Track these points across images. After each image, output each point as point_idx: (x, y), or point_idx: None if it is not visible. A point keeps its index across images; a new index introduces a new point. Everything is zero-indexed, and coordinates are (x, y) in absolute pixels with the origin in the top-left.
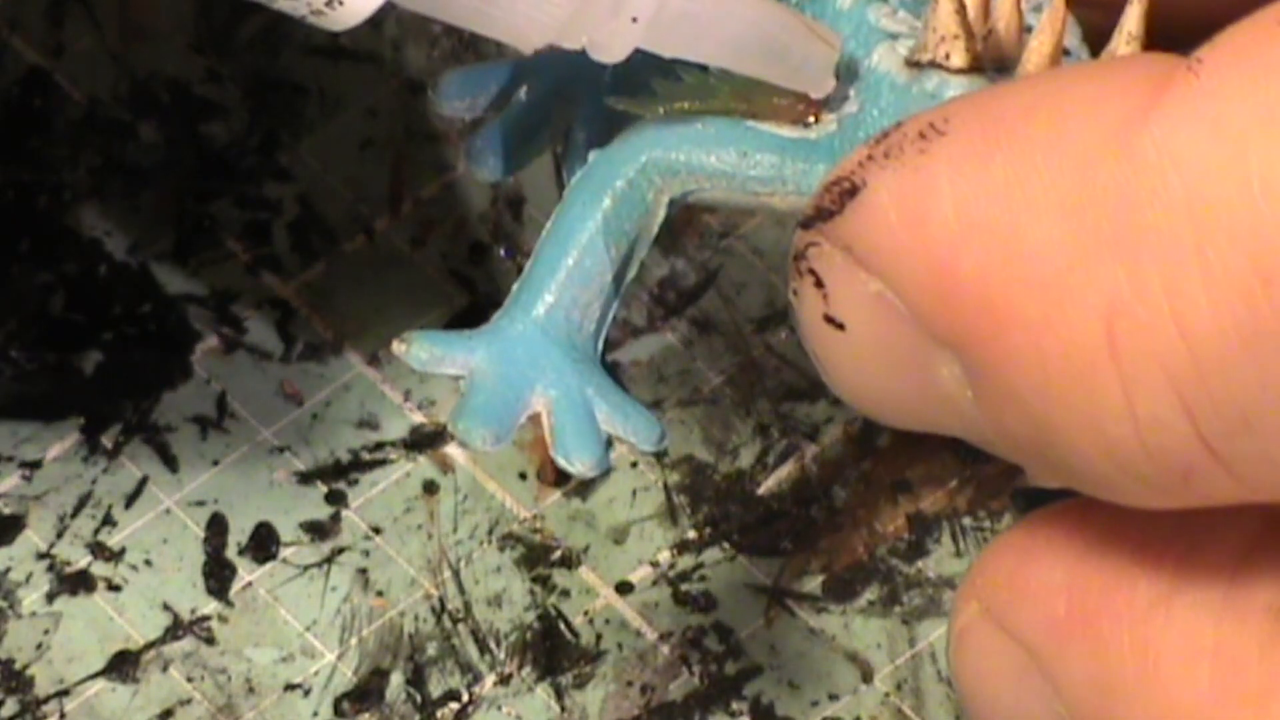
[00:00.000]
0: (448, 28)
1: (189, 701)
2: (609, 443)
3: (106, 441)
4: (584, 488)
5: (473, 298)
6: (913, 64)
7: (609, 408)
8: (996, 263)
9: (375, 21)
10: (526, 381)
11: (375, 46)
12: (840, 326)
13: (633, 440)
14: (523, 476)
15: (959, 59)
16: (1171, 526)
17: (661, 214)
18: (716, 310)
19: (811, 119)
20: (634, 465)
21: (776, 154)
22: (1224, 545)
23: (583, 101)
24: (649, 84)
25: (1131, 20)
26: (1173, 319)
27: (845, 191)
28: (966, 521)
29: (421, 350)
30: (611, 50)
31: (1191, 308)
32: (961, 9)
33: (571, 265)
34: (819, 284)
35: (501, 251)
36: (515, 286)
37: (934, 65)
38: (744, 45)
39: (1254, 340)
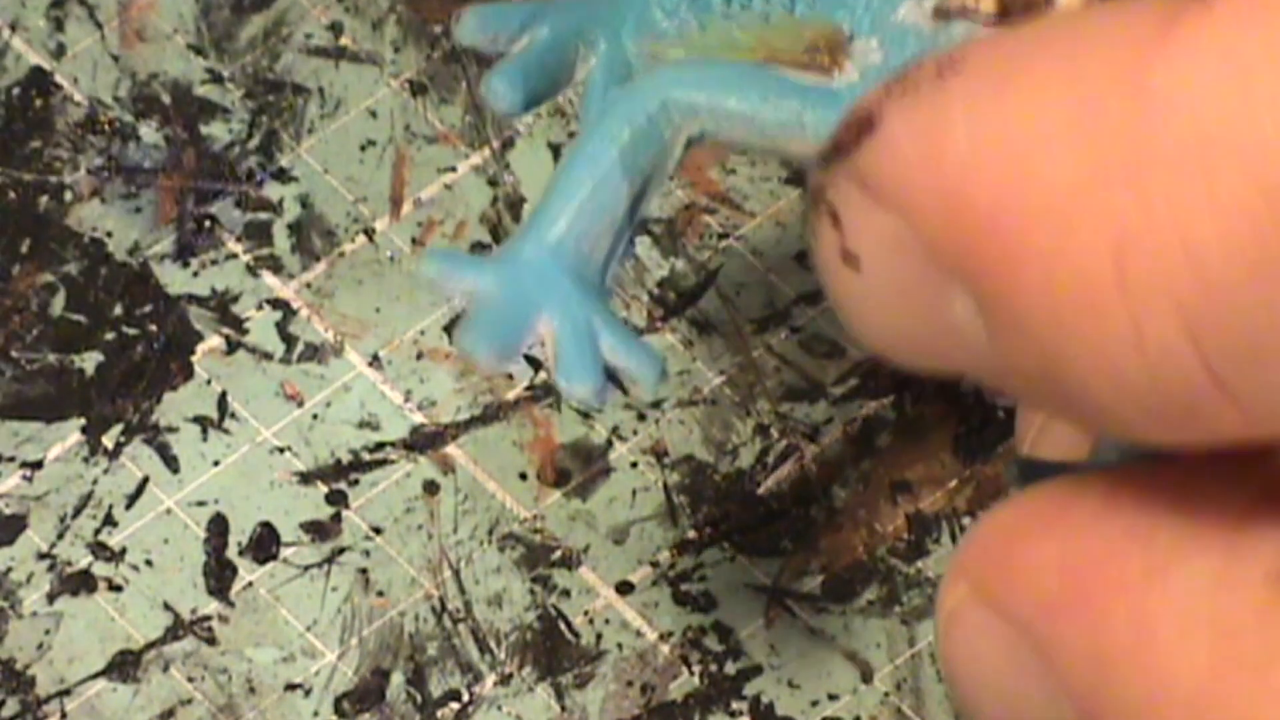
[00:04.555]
0: (447, 29)
1: (190, 701)
2: (612, 379)
3: (107, 442)
4: (584, 488)
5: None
6: (941, 13)
7: (613, 339)
8: (1009, 192)
9: (375, 22)
10: (533, 306)
11: (375, 47)
12: (856, 263)
13: (634, 375)
14: (523, 476)
15: (988, 5)
16: (1166, 499)
17: (679, 153)
18: (716, 310)
19: (835, 70)
20: (634, 465)
21: (797, 100)
22: (1220, 516)
23: (603, 45)
24: (671, 30)
25: None
26: (1180, 246)
27: (862, 127)
28: (966, 521)
29: (432, 266)
30: None
31: (1198, 234)
32: None
33: (585, 197)
34: (835, 221)
35: None
36: (529, 215)
37: (962, 13)
38: None
39: (1260, 266)
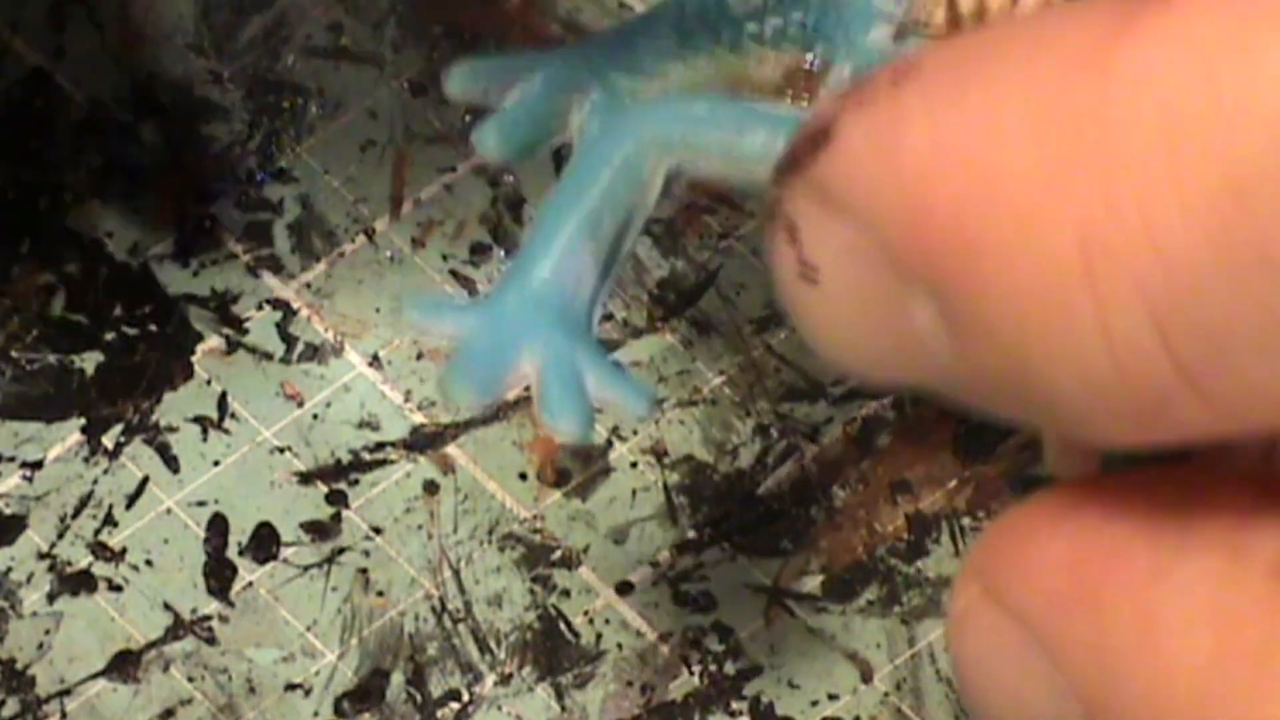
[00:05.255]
0: (447, 29)
1: (190, 701)
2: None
3: (107, 442)
4: (584, 488)
5: (473, 298)
6: (899, 33)
7: (598, 375)
8: (971, 191)
9: (376, 22)
10: (516, 346)
11: (375, 47)
12: (814, 276)
13: (623, 407)
14: (523, 476)
15: (939, 17)
16: (1171, 500)
17: (658, 187)
18: (716, 310)
19: (809, 98)
20: (634, 465)
21: (769, 130)
22: (1223, 515)
23: (596, 92)
24: (654, 67)
25: None
26: (1146, 238)
27: (818, 137)
28: (966, 521)
29: (414, 312)
30: None
31: (1165, 225)
32: None
33: (566, 237)
34: (792, 235)
35: (501, 252)
36: (514, 256)
37: (915, 28)
38: None
39: (1226, 256)
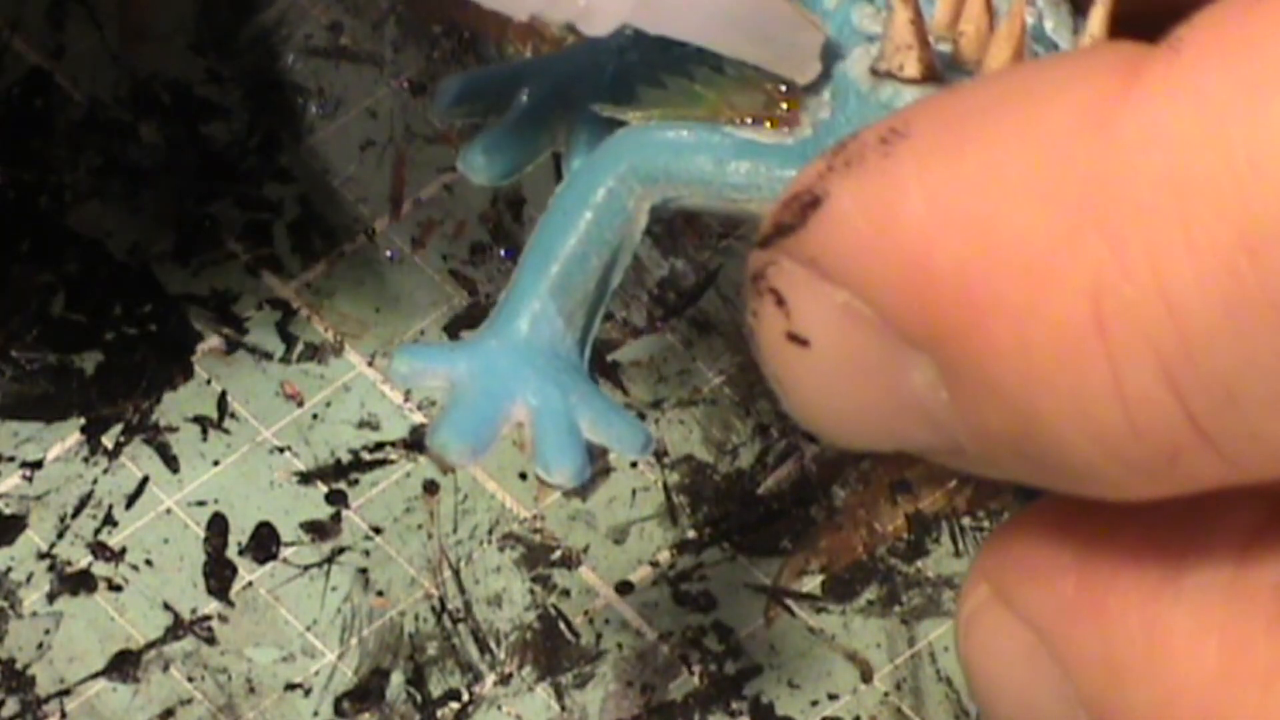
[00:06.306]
0: (447, 28)
1: (190, 701)
2: (592, 453)
3: (107, 441)
4: (584, 488)
5: (473, 298)
6: (875, 73)
7: (593, 416)
8: (975, 253)
9: (375, 22)
10: (507, 393)
11: (375, 47)
12: (804, 343)
13: (618, 447)
14: (523, 476)
15: (912, 69)
16: (1180, 509)
17: (643, 221)
18: (716, 310)
19: (792, 123)
20: (634, 465)
21: (751, 160)
22: (1232, 527)
23: (583, 106)
24: (637, 90)
25: (1095, 22)
26: (1159, 295)
27: (806, 204)
28: (966, 521)
29: (403, 364)
30: (596, 21)
31: (1177, 283)
32: (917, 18)
33: (554, 276)
34: (780, 302)
35: (501, 252)
36: (501, 297)
37: (889, 75)
38: (730, 24)
39: (1239, 313)
